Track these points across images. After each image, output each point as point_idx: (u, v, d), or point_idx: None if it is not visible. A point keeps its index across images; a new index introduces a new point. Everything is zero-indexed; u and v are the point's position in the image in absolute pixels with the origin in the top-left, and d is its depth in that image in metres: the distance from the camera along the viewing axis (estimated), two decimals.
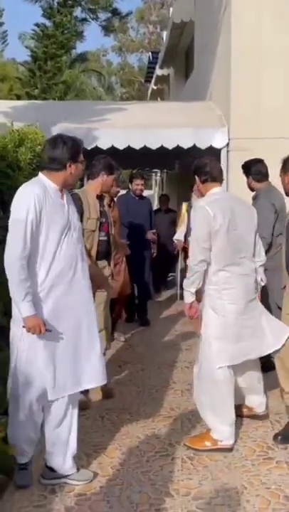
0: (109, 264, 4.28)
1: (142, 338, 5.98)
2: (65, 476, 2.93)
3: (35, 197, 2.68)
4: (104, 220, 4.15)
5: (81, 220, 3.88)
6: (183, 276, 7.95)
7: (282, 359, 3.43)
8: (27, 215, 2.64)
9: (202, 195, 3.54)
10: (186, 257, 7.18)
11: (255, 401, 3.68)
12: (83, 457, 3.22)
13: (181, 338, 5.93)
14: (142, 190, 6.53)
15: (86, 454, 3.27)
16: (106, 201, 4.77)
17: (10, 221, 2.69)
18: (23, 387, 2.77)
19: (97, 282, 3.88)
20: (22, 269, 2.62)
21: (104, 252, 4.16)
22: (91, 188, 4.12)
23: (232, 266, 3.31)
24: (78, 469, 2.98)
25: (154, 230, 6.66)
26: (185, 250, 7.06)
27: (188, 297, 3.35)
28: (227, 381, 3.30)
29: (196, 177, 3.53)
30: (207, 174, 3.45)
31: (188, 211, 6.71)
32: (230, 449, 3.30)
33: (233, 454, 3.30)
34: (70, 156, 2.83)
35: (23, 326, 2.67)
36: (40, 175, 2.86)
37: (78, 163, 2.90)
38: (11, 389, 2.84)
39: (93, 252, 4.04)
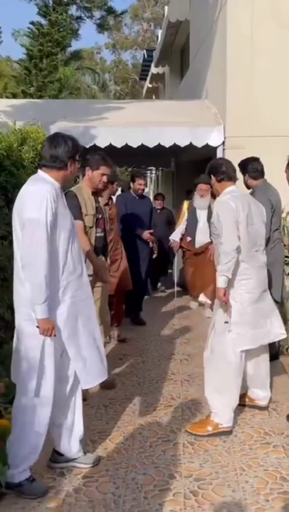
0: (106, 260, 4.40)
1: (141, 333, 6.11)
2: (73, 460, 3.07)
3: (49, 196, 2.73)
4: (100, 216, 4.23)
5: (81, 215, 4.01)
6: (181, 275, 7.94)
7: None
8: (46, 215, 2.69)
9: (218, 193, 3.72)
10: (184, 256, 7.13)
11: (260, 394, 3.87)
12: (89, 443, 3.37)
13: (179, 333, 6.09)
14: (143, 190, 6.54)
15: (91, 440, 3.42)
16: (104, 198, 4.90)
17: (26, 220, 2.71)
18: (30, 383, 2.80)
19: (100, 275, 4.02)
20: (47, 271, 2.68)
21: (101, 248, 4.24)
22: (85, 185, 4.18)
23: (249, 258, 3.55)
24: (85, 453, 3.12)
25: (151, 230, 6.52)
26: (183, 250, 7.12)
27: (223, 282, 3.48)
28: (238, 366, 3.52)
29: (213, 176, 3.70)
30: (224, 174, 3.65)
31: (189, 209, 6.83)
32: (229, 432, 3.48)
33: (232, 439, 3.46)
34: (71, 154, 2.91)
35: (37, 326, 2.73)
36: (42, 173, 2.91)
37: (77, 161, 2.99)
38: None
39: (91, 249, 4.10)
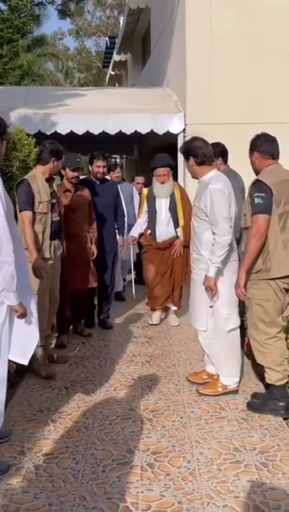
0: (62, 243, 4.50)
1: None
2: None
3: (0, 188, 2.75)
4: (55, 201, 4.33)
5: (33, 204, 4.09)
6: (140, 274, 6.92)
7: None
8: (1, 202, 2.70)
9: (198, 176, 3.87)
10: (142, 250, 6.14)
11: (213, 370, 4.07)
12: (49, 423, 3.45)
13: (143, 317, 6.18)
14: (104, 174, 5.61)
15: (52, 420, 3.50)
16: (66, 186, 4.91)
17: None
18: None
19: (37, 273, 4.04)
20: (13, 259, 2.77)
21: (57, 232, 4.38)
22: (39, 172, 4.26)
23: (234, 240, 3.78)
24: None
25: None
26: (142, 244, 6.02)
27: (215, 273, 3.69)
28: (237, 338, 3.91)
29: (193, 158, 3.80)
30: (205, 156, 3.77)
31: (148, 198, 5.68)
32: (236, 391, 3.91)
33: (189, 415, 3.59)
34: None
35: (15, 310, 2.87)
36: None
37: (5, 141, 2.99)
38: None
39: (47, 233, 4.21)
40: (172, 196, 5.56)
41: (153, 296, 5.78)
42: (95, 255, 5.22)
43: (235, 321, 3.85)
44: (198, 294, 3.86)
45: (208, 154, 3.79)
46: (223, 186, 3.70)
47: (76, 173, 4.95)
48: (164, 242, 5.61)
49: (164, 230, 5.58)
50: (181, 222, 5.52)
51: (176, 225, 5.55)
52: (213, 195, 3.64)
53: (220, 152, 4.81)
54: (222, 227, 3.60)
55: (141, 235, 5.85)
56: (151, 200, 5.65)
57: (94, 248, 5.21)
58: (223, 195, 3.66)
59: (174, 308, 5.80)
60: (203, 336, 3.94)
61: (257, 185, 3.47)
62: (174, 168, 5.64)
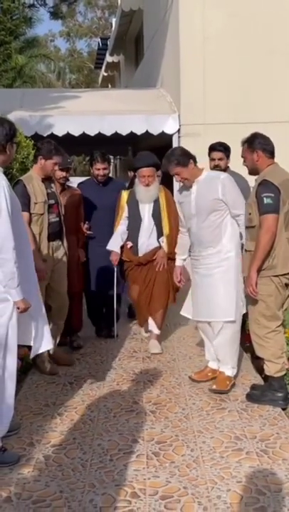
0: (63, 244, 4.47)
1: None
2: None
3: (4, 182, 2.84)
4: (53, 201, 4.31)
5: (29, 205, 4.10)
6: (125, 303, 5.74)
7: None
8: (6, 202, 2.79)
9: (193, 178, 3.98)
10: (124, 268, 5.05)
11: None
12: (56, 416, 3.56)
13: None
14: (104, 176, 5.17)
15: (58, 413, 3.61)
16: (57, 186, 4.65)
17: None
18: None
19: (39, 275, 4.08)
20: (15, 257, 2.87)
21: (57, 233, 4.36)
22: (34, 172, 4.28)
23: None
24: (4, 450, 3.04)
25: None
26: (124, 261, 4.98)
27: None
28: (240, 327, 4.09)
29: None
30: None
31: (130, 203, 4.89)
32: (234, 383, 4.04)
33: (191, 406, 3.71)
34: (9, 137, 2.94)
35: (17, 307, 2.96)
36: None
37: (15, 144, 3.06)
38: None
39: (44, 234, 4.22)
40: (157, 201, 4.82)
41: (141, 314, 5.07)
42: (81, 259, 4.99)
43: (244, 308, 3.97)
44: (222, 285, 3.90)
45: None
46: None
47: (64, 173, 4.74)
48: (145, 255, 4.82)
49: (146, 241, 4.81)
50: (166, 230, 4.77)
51: (160, 234, 4.80)
52: (226, 181, 3.89)
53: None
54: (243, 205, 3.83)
55: (121, 247, 4.96)
56: (133, 205, 4.86)
57: (80, 252, 4.99)
58: (233, 181, 3.97)
59: (155, 331, 4.93)
60: (225, 327, 3.93)
61: (265, 185, 3.52)
62: (159, 169, 4.80)
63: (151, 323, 4.96)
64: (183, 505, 2.58)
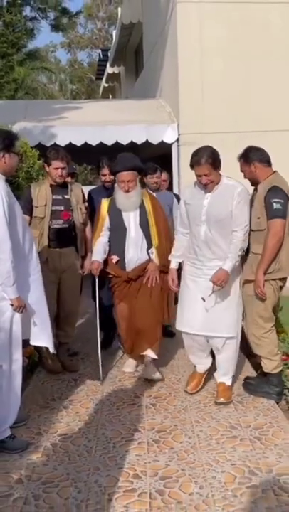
0: (77, 251, 4.51)
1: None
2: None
3: (2, 192, 3.04)
4: (62, 208, 4.39)
5: (31, 209, 4.30)
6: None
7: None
8: (3, 206, 3.01)
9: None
10: (109, 284, 4.47)
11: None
12: (62, 409, 3.78)
13: None
14: (111, 181, 4.86)
15: (64, 407, 3.83)
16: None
17: None
18: (4, 351, 3.18)
19: None
20: (12, 257, 3.08)
21: (63, 240, 4.39)
22: (46, 179, 4.49)
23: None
24: (14, 438, 3.23)
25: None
26: (109, 276, 4.39)
27: None
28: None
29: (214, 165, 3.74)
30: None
31: (110, 212, 4.32)
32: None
33: (189, 399, 3.92)
34: (2, 146, 3.14)
35: (11, 305, 3.14)
36: None
37: (12, 153, 3.20)
38: None
39: (44, 238, 4.31)
40: (142, 208, 4.28)
41: (128, 340, 4.47)
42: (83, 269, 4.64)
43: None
44: (225, 300, 3.81)
45: None
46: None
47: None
48: (134, 269, 4.26)
49: (135, 253, 4.25)
50: (155, 241, 4.27)
51: (150, 244, 4.28)
52: (243, 194, 3.75)
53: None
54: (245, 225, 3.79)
55: (104, 261, 4.35)
56: (115, 214, 4.29)
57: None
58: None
59: (152, 355, 4.33)
60: (228, 342, 3.88)
61: (275, 190, 3.68)
62: (141, 173, 4.50)
63: (148, 350, 4.37)
64: (181, 484, 2.79)
